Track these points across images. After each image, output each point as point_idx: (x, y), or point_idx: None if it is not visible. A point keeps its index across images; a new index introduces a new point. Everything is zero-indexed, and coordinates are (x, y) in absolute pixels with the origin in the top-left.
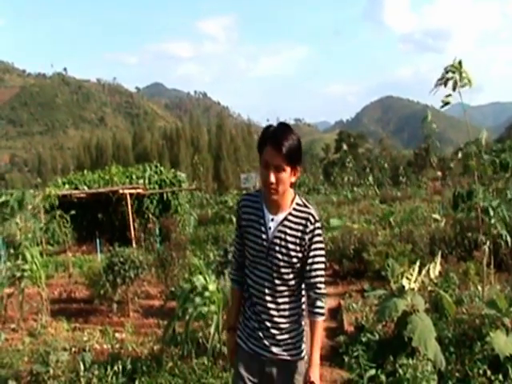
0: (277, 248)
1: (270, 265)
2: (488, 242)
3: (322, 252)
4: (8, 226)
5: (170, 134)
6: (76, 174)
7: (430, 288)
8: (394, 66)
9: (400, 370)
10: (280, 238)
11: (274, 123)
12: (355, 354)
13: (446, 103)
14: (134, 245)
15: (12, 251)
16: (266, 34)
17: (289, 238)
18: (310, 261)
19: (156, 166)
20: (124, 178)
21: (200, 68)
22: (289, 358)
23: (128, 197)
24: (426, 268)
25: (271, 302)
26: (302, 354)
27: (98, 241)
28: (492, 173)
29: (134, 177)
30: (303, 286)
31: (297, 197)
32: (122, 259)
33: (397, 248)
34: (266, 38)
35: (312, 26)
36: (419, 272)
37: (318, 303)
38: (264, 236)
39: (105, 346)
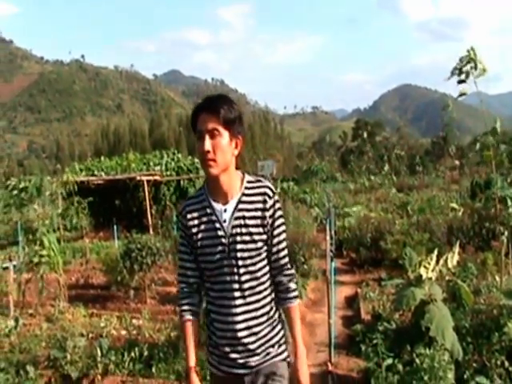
0: (238, 238)
1: (234, 262)
2: (506, 232)
3: (284, 228)
4: (26, 211)
5: (187, 121)
6: (93, 161)
7: (447, 277)
8: (411, 54)
9: (417, 360)
10: (240, 226)
11: (292, 110)
12: (373, 342)
13: (463, 94)
14: (150, 231)
15: (30, 237)
16: (284, 21)
17: (249, 221)
18: (275, 240)
19: (173, 153)
20: (141, 164)
21: (217, 55)
22: (269, 361)
23: (145, 183)
24: (444, 257)
25: (241, 304)
26: (284, 355)
27: (115, 227)
28: (509, 163)
29: (151, 163)
30: (270, 272)
31: (246, 175)
32: (139, 246)
33: (414, 237)
34: (283, 26)
35: (329, 14)
36: (437, 261)
37: (291, 285)
38: (220, 232)
39: (122, 332)
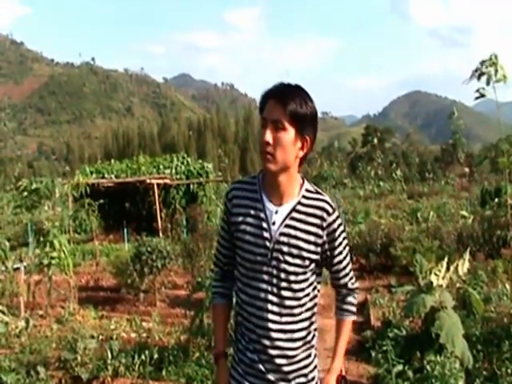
0: (284, 249)
1: (275, 272)
2: None
3: (346, 243)
4: (37, 213)
5: (198, 125)
6: (104, 163)
7: (458, 285)
8: (421, 60)
9: (428, 367)
10: (289, 236)
11: None
12: (383, 349)
13: (482, 95)
14: (160, 235)
15: (40, 239)
16: (294, 26)
17: (300, 234)
18: (335, 260)
19: (183, 157)
20: (151, 168)
21: (227, 59)
22: None
23: (155, 187)
24: (455, 264)
25: (276, 322)
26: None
27: (125, 230)
28: None
29: (161, 167)
30: (330, 285)
31: (306, 182)
32: (149, 249)
33: (424, 244)
34: (293, 31)
35: (340, 19)
36: (447, 268)
37: (349, 299)
38: (266, 234)
39: (132, 335)
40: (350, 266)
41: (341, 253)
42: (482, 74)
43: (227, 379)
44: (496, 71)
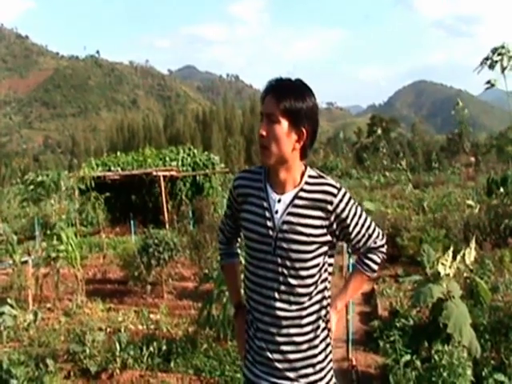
0: (288, 236)
1: (280, 261)
2: None
3: (360, 211)
4: (43, 206)
5: (203, 117)
6: (110, 156)
7: (465, 274)
8: (426, 50)
9: (435, 357)
10: (292, 223)
11: None
12: (391, 339)
13: (492, 85)
14: (167, 227)
15: (47, 232)
16: (298, 17)
17: (304, 220)
18: (353, 235)
19: (189, 149)
20: (157, 160)
21: (232, 51)
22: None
23: (161, 179)
24: (461, 253)
25: (285, 309)
26: (325, 381)
27: (131, 222)
28: None
29: (167, 159)
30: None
31: (308, 168)
32: (156, 241)
33: (430, 233)
34: (297, 22)
35: (344, 10)
36: (453, 258)
37: (371, 255)
38: (269, 223)
39: (140, 327)
40: (370, 228)
41: (357, 224)
42: (494, 62)
43: (244, 328)
44: (510, 58)
